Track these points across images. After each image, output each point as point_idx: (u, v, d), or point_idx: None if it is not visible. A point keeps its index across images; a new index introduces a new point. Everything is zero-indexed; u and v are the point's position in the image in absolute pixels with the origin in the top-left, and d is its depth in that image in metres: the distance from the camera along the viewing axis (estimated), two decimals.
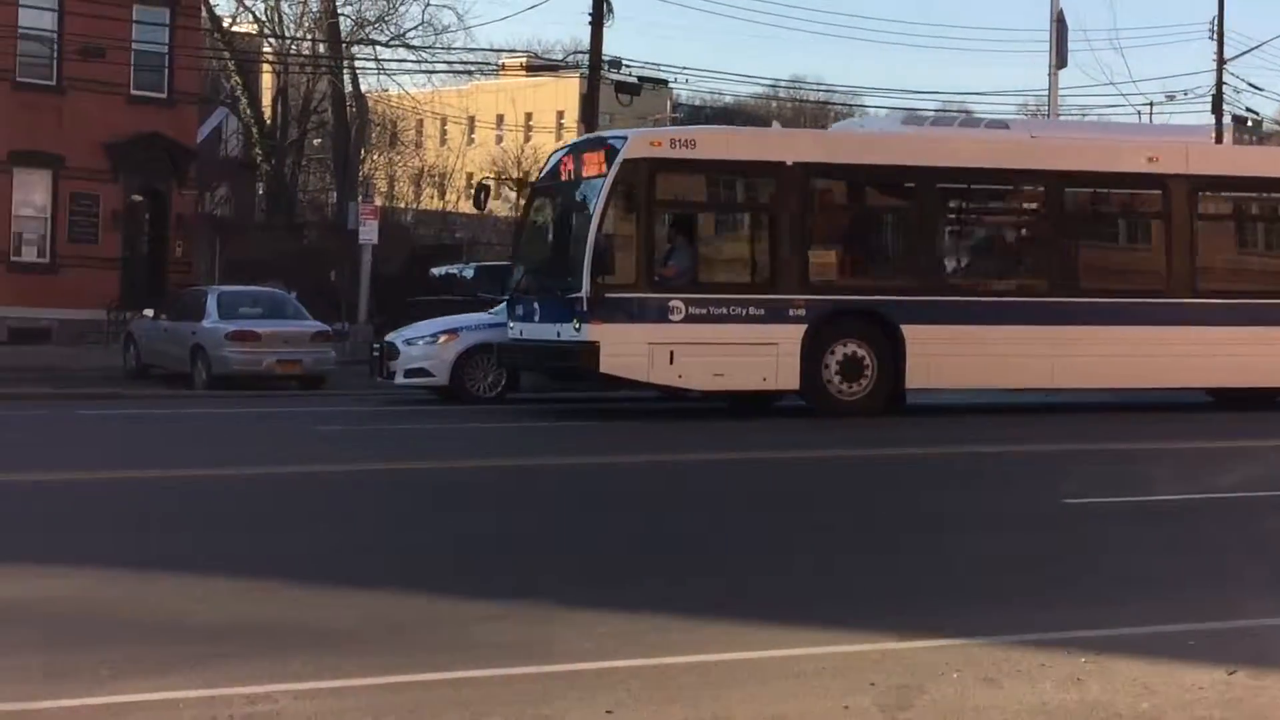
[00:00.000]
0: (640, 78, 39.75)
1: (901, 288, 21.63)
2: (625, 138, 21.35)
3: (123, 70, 38.28)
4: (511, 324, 22.36)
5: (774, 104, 70.61)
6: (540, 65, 52.95)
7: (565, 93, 70.12)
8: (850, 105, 60.02)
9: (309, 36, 48.70)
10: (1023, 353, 21.63)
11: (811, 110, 65.44)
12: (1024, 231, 23.68)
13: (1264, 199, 24.03)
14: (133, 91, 38.76)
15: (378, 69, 50.35)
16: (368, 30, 48.63)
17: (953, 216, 22.89)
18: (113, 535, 12.00)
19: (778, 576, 10.28)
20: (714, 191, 22.23)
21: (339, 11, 47.26)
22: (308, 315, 30.13)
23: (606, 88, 38.62)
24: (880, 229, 23.44)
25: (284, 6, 49.16)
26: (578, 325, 20.42)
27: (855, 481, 15.87)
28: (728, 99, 62.00)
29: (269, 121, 49.82)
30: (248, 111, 48.94)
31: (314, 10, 48.40)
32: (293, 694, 7.10)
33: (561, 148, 26.43)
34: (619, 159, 20.48)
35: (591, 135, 22.95)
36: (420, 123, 63.46)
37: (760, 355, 20.70)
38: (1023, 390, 23.10)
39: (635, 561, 10.87)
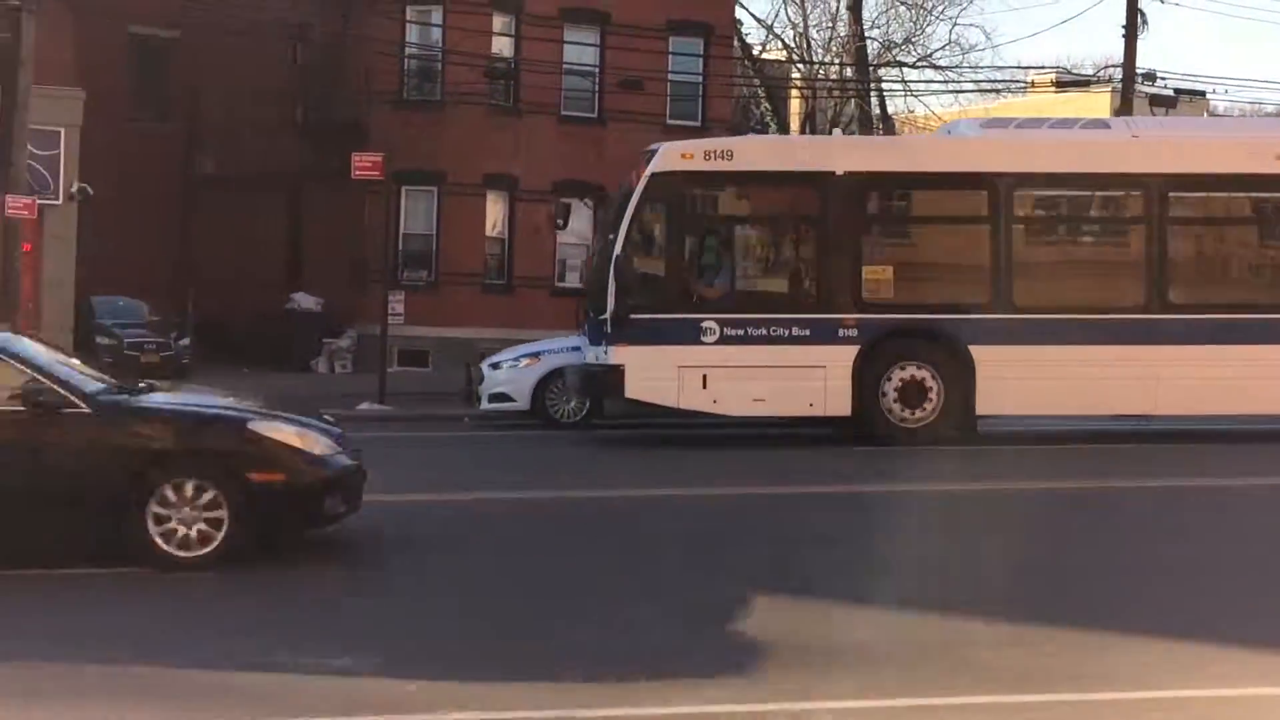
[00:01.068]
0: (1176, 90, 38.50)
1: (971, 305, 19.74)
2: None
3: (659, 101, 39.61)
4: (583, 347, 21.53)
5: None
6: (1070, 80, 51.92)
7: (1095, 108, 68.43)
8: None
9: (836, 61, 49.25)
10: (1118, 375, 19.49)
11: None
12: (1118, 241, 20.97)
13: None
14: (668, 121, 40.00)
15: (904, 90, 50.32)
16: (894, 52, 48.85)
17: (1031, 226, 20.68)
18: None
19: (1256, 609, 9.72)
20: (754, 205, 20.59)
21: (866, 35, 47.62)
22: None
23: (1140, 101, 37.55)
24: (945, 242, 20.96)
25: (813, 33, 49.94)
26: (605, 348, 19.74)
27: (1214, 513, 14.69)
28: (1269, 108, 59.04)
29: None
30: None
31: (841, 35, 48.97)
32: (833, 712, 7.17)
33: None
34: (646, 173, 19.54)
35: (653, 145, 20.98)
36: None
37: (806, 379, 19.25)
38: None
39: (1082, 589, 10.49)
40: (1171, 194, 20.06)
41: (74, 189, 33.18)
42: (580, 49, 39.32)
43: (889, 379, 19.44)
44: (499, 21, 38.60)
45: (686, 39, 40.44)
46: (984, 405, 19.61)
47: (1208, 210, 20.92)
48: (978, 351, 19.36)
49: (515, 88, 38.62)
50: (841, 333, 19.32)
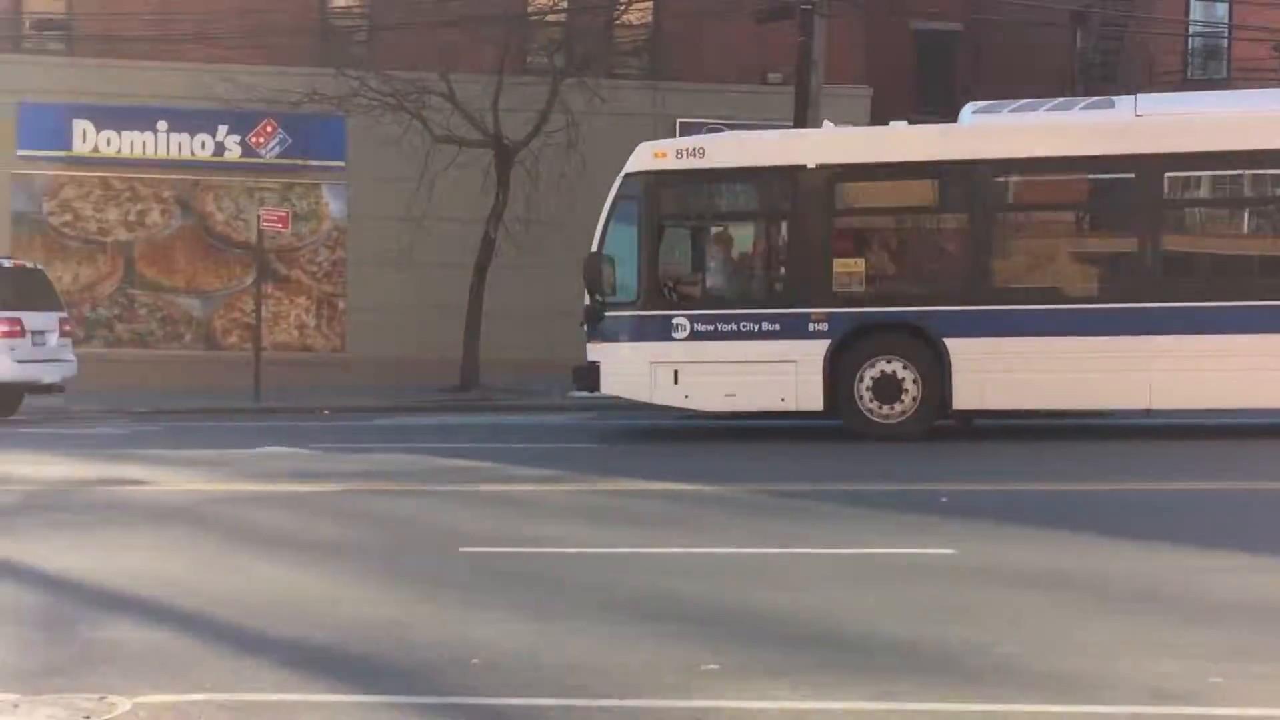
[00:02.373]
0: None
1: (946, 296, 19.15)
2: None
3: None
4: None
5: None
6: None
7: None
8: None
9: None
10: (1109, 368, 18.63)
11: None
12: (1110, 227, 19.99)
13: None
14: None
15: None
16: None
17: (1010, 214, 19.78)
18: None
19: None
20: (725, 201, 20.63)
21: None
22: None
23: None
24: (920, 232, 20.16)
25: None
26: (586, 345, 20.10)
27: None
28: None
29: None
30: None
31: None
32: None
33: None
34: (621, 174, 19.82)
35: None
36: None
37: (776, 374, 19.17)
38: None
39: None
40: (1168, 175, 18.98)
41: None
42: (1207, 5, 36.93)
43: (865, 373, 19.25)
44: None
45: None
46: (961, 400, 18.99)
47: (1205, 192, 19.76)
48: (954, 345, 18.96)
49: None
50: (812, 327, 19.22)
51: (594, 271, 19.87)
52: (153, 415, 27.69)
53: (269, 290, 34.77)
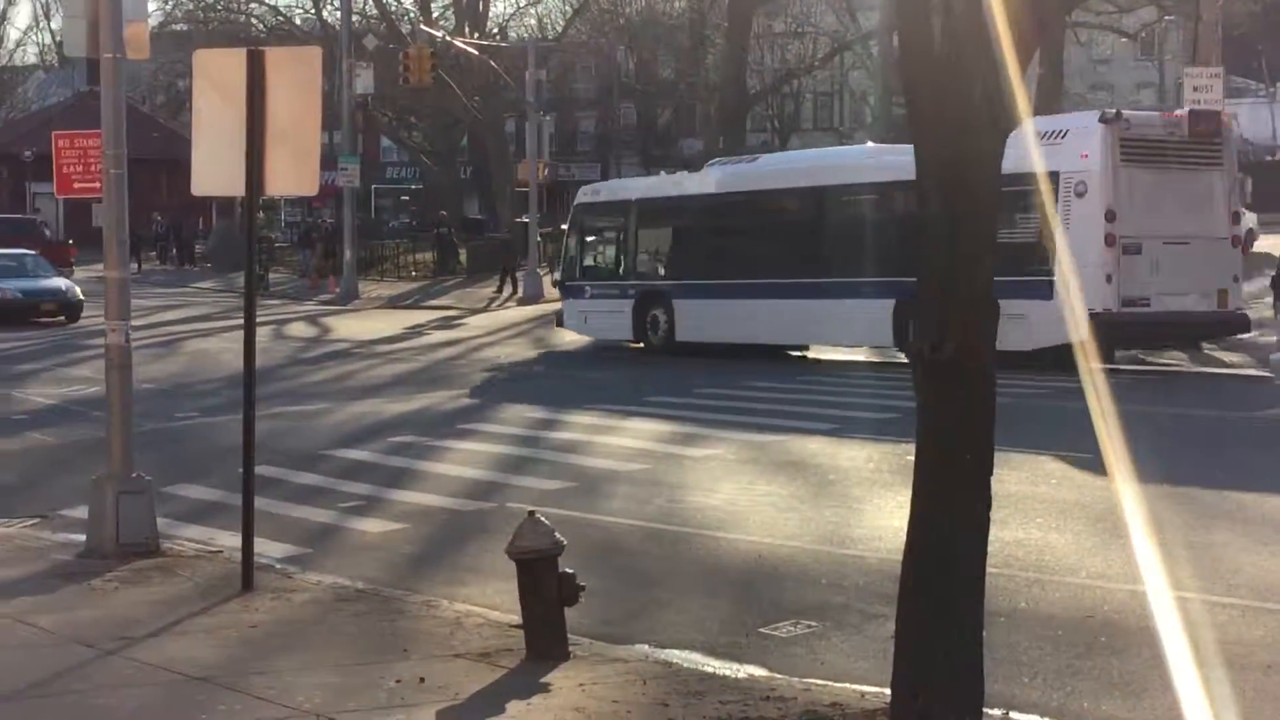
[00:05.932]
0: None
1: (675, 278, 32.89)
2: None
3: None
4: None
5: None
6: None
7: None
8: None
9: None
10: (751, 315, 31.06)
11: None
12: (720, 241, 32.75)
13: (782, 208, 32.10)
14: None
15: None
16: None
17: (698, 232, 33.24)
18: None
19: None
20: (604, 222, 35.12)
21: None
22: None
23: None
24: (671, 240, 34.25)
25: None
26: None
27: None
28: None
29: None
30: None
31: None
32: None
33: None
34: (574, 204, 36.30)
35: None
36: None
37: (620, 319, 33.32)
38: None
39: None
40: (722, 209, 32.53)
41: None
42: None
43: (648, 317, 33.14)
44: None
45: None
46: (680, 335, 32.25)
47: (745, 221, 32.24)
48: (677, 304, 32.57)
49: None
50: (630, 292, 33.59)
51: (562, 261, 36.59)
52: None
53: None
